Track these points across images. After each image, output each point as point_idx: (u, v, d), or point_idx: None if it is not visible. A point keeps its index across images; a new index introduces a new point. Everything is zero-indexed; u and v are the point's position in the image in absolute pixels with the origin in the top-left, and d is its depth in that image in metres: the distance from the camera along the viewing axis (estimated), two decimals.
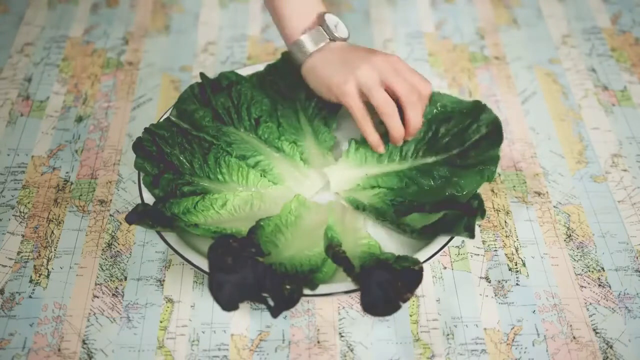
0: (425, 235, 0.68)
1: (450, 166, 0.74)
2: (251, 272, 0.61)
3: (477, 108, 0.75)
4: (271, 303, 0.60)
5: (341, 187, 0.76)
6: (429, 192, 0.73)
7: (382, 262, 0.64)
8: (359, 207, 0.73)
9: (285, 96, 0.82)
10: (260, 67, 0.85)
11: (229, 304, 0.59)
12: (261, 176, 0.75)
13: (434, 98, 0.77)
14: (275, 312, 0.60)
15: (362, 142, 0.76)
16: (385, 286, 0.60)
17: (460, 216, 0.65)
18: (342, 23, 0.76)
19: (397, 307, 0.60)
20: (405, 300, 0.60)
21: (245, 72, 0.85)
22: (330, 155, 0.79)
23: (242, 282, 0.60)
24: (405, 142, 0.75)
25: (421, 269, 0.62)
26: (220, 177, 0.74)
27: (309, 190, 0.76)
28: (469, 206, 0.66)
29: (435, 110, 0.77)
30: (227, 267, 0.60)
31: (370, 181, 0.75)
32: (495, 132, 0.74)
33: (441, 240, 0.68)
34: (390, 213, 0.71)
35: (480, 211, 0.65)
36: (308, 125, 0.80)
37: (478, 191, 0.71)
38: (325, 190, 0.77)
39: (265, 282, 0.61)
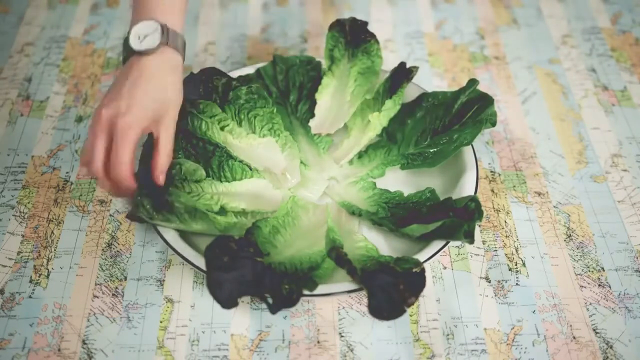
0: (424, 239, 0.68)
1: (449, 131, 0.76)
2: (250, 271, 0.61)
3: (467, 85, 0.77)
4: (270, 300, 0.60)
5: (344, 160, 0.78)
6: (436, 155, 0.75)
7: (383, 265, 0.64)
8: (354, 212, 0.73)
9: (275, 100, 0.82)
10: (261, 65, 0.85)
11: (228, 302, 0.59)
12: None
13: (425, 96, 0.79)
14: (274, 309, 0.60)
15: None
16: (389, 290, 0.60)
17: (459, 224, 0.65)
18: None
19: (402, 312, 0.60)
20: (409, 305, 0.60)
21: (245, 72, 0.85)
22: (328, 156, 0.79)
23: (241, 280, 0.60)
24: (403, 138, 0.78)
25: (423, 272, 0.62)
26: (224, 180, 0.74)
27: (311, 193, 0.76)
28: (466, 209, 0.66)
29: (425, 104, 0.79)
30: (226, 266, 0.60)
31: (374, 157, 0.78)
32: (483, 98, 0.75)
33: (440, 241, 0.68)
34: (388, 223, 0.71)
35: (478, 213, 0.65)
36: (300, 127, 0.80)
37: (476, 193, 0.72)
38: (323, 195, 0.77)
39: (264, 281, 0.61)
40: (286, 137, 0.77)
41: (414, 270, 0.63)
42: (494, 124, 0.74)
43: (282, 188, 0.75)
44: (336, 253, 0.64)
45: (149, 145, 0.72)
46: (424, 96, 0.79)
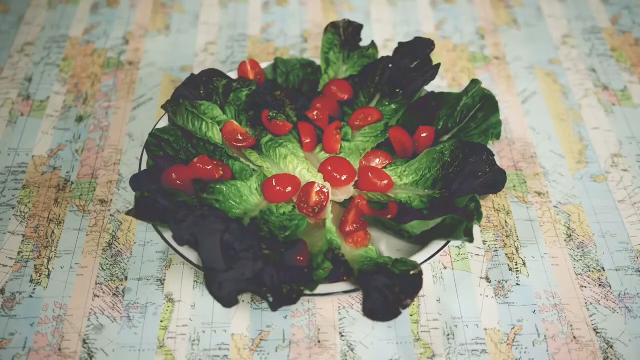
0: (424, 240, 0.68)
1: (454, 139, 0.75)
2: (250, 268, 0.61)
3: (469, 86, 0.77)
4: (271, 299, 0.60)
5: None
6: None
7: (380, 266, 0.64)
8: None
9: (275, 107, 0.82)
10: (262, 66, 0.85)
11: (228, 301, 0.59)
12: None
13: (428, 97, 0.79)
14: (274, 307, 0.60)
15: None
16: (385, 291, 0.60)
17: (460, 221, 0.65)
18: None
19: (397, 313, 0.60)
20: (405, 307, 0.60)
21: None
22: (322, 156, 0.79)
23: (240, 278, 0.60)
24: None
25: (420, 274, 0.62)
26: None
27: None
28: (466, 210, 0.66)
29: (428, 105, 0.79)
30: (227, 264, 0.61)
31: None
32: (488, 102, 0.75)
33: (439, 242, 0.67)
34: (389, 220, 0.71)
35: (477, 214, 0.65)
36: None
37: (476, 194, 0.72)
38: None
39: (264, 280, 0.61)
40: (288, 139, 0.77)
41: (411, 272, 0.63)
42: (498, 137, 0.74)
43: None
44: (332, 254, 0.65)
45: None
46: (427, 97, 0.80)
